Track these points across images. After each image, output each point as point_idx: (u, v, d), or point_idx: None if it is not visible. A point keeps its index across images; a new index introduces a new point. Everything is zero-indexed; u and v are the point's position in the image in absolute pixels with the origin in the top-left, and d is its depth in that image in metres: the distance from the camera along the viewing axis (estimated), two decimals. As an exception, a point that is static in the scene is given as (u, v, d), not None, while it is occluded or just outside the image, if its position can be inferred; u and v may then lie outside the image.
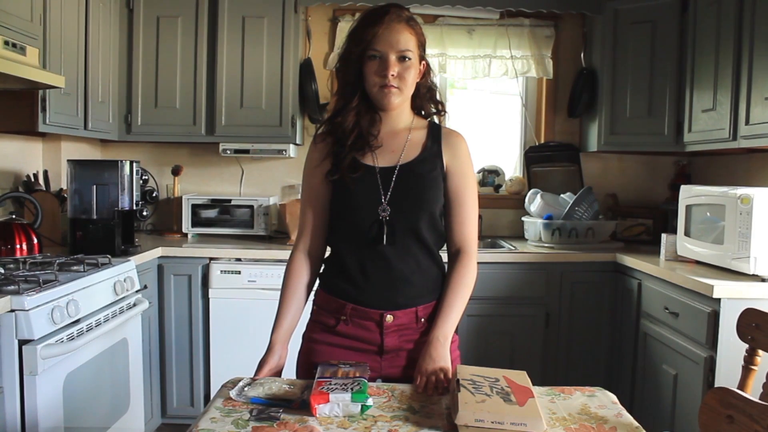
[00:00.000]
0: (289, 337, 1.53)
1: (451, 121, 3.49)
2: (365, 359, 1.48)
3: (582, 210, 3.19)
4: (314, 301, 1.61)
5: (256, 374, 1.45)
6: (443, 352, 1.44)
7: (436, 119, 1.62)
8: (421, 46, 1.50)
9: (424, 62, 1.52)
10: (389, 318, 1.49)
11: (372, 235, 1.47)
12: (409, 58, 1.46)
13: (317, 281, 1.62)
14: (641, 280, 2.78)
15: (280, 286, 1.57)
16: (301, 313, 1.57)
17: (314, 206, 1.57)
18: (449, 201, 1.55)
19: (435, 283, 1.55)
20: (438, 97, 1.59)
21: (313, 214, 1.57)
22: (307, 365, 1.53)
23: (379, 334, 1.49)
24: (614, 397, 1.35)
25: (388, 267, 1.48)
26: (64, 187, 2.89)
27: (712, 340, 2.20)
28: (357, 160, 1.49)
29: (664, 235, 2.84)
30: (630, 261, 2.86)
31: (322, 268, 1.61)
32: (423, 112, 1.59)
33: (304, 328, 1.60)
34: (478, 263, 1.57)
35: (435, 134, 1.56)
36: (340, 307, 1.52)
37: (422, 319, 1.52)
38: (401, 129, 1.55)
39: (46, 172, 3.04)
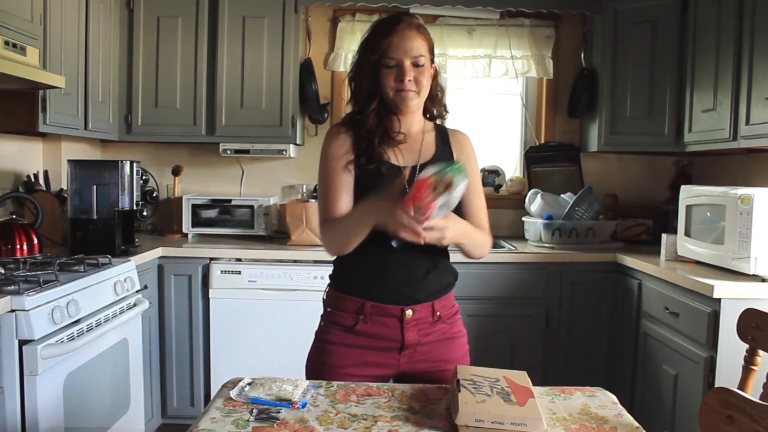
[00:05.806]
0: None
1: (451, 121, 3.49)
2: (385, 357, 1.51)
3: (582, 210, 3.19)
4: (326, 302, 1.61)
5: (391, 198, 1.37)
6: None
7: (438, 121, 1.68)
8: (431, 50, 1.55)
9: (434, 65, 1.57)
10: (409, 312, 1.51)
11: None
12: (423, 63, 1.51)
13: (328, 282, 1.62)
14: (641, 280, 2.77)
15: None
16: None
17: (341, 191, 1.52)
18: None
19: (448, 280, 1.60)
20: (444, 99, 1.66)
21: (342, 197, 1.52)
22: (317, 365, 1.55)
23: (400, 329, 1.52)
24: (614, 398, 1.36)
25: (408, 264, 1.51)
26: (65, 187, 2.89)
27: (712, 340, 2.20)
28: (384, 155, 1.53)
29: (664, 235, 2.84)
30: (630, 261, 2.86)
31: (332, 269, 1.61)
32: (428, 115, 1.64)
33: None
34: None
35: (443, 135, 1.64)
36: (359, 305, 1.53)
37: (438, 313, 1.55)
38: (416, 131, 1.60)
39: (46, 172, 3.04)
